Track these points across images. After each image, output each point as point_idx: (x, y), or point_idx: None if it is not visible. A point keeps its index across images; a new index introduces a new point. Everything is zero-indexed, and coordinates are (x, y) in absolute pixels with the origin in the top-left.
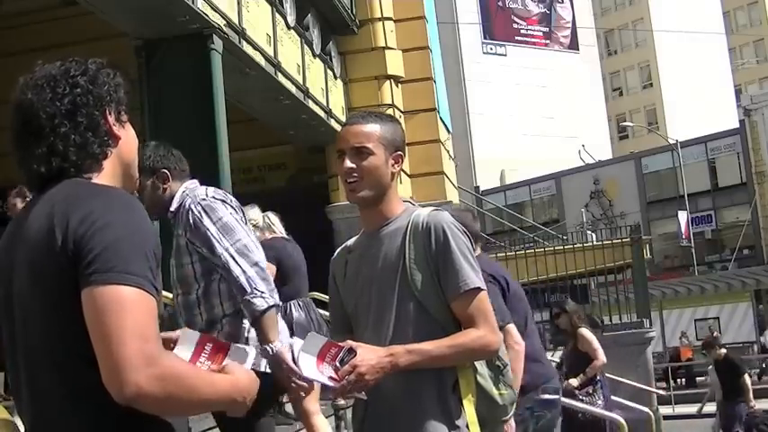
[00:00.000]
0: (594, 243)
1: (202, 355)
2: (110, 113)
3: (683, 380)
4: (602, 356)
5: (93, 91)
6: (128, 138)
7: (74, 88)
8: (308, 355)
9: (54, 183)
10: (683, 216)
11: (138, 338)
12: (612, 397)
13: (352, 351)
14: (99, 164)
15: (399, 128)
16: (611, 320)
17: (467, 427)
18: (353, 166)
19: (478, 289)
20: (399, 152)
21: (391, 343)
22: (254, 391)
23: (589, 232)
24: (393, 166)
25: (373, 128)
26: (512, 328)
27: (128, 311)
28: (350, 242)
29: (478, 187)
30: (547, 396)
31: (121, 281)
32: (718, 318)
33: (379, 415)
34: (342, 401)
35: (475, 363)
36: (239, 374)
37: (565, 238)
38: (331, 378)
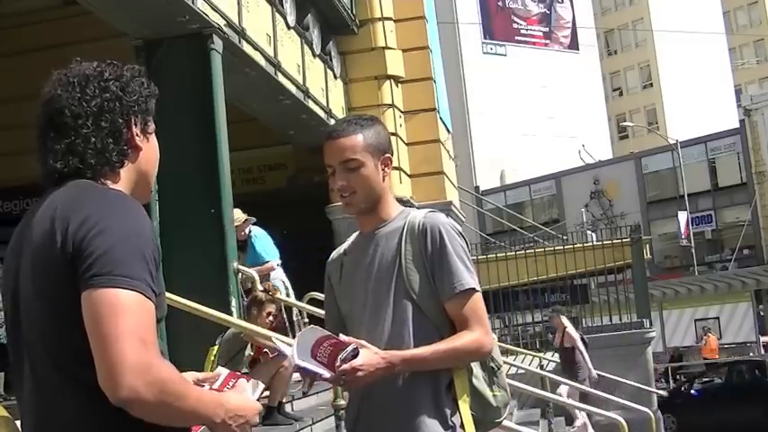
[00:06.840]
0: (594, 243)
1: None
2: (135, 124)
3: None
4: None
5: (123, 99)
6: (149, 149)
7: (103, 92)
8: (304, 343)
9: (62, 183)
10: (682, 216)
11: (137, 342)
12: (612, 397)
13: (355, 351)
14: (115, 172)
15: (382, 128)
16: (611, 320)
17: (461, 426)
18: (345, 183)
19: (473, 290)
20: (387, 154)
21: (387, 344)
22: (247, 415)
23: (589, 232)
24: (383, 170)
25: (357, 138)
26: None
27: (125, 315)
28: (345, 244)
29: (478, 187)
30: None
31: (119, 284)
32: (718, 318)
33: (373, 414)
34: (342, 402)
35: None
36: (230, 395)
37: (565, 238)
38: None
